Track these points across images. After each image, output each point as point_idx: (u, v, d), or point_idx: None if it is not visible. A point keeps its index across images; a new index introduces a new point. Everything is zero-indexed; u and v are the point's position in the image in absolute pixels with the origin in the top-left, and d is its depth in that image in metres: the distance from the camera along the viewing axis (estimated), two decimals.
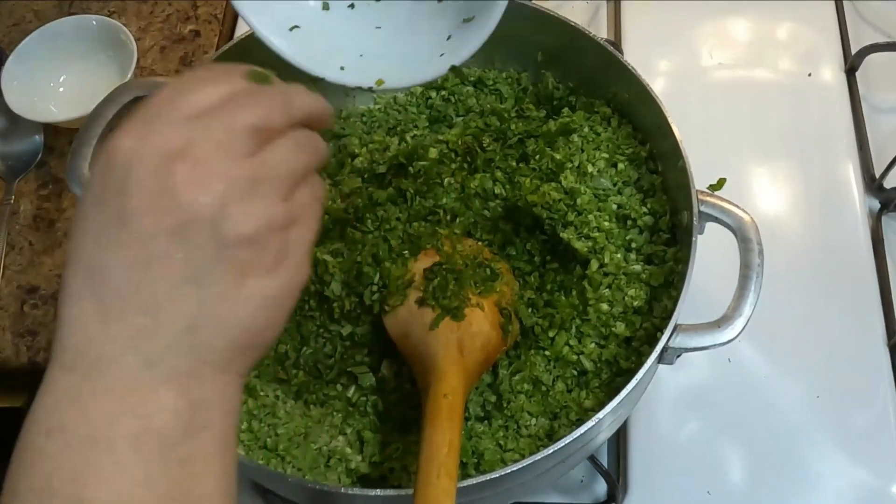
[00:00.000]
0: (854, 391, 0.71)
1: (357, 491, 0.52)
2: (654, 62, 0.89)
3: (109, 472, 0.31)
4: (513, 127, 0.70)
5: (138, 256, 0.32)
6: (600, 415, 0.51)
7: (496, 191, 0.67)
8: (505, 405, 0.60)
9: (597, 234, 0.63)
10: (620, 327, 0.60)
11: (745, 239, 0.56)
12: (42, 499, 0.31)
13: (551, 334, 0.61)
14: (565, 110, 0.71)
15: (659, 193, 0.65)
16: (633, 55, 0.84)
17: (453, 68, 0.51)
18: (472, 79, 0.76)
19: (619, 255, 0.63)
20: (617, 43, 0.88)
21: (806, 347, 0.73)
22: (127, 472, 0.31)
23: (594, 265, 0.62)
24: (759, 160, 0.82)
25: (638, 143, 0.67)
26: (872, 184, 0.79)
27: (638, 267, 0.62)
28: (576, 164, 0.66)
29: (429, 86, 0.77)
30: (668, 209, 0.64)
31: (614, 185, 0.66)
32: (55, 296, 0.81)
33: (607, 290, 0.62)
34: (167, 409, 0.33)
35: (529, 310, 0.63)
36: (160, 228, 0.32)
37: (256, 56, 0.69)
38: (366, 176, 0.70)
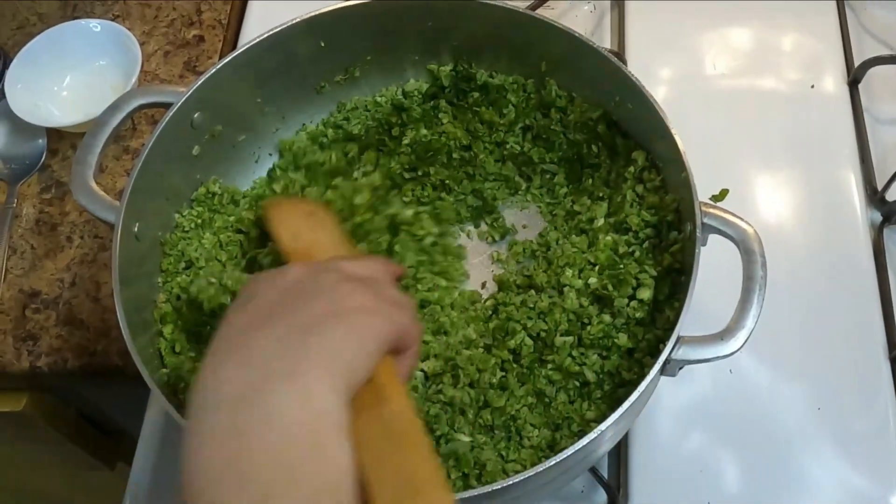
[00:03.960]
0: (855, 403, 0.71)
1: None
2: (657, 71, 0.89)
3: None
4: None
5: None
6: (602, 426, 0.51)
7: None
8: (507, 416, 0.60)
9: None
10: (623, 339, 0.60)
11: (748, 251, 0.56)
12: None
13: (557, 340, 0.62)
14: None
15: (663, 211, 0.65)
16: (637, 64, 0.84)
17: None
18: (479, 82, 0.76)
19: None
20: (620, 53, 0.89)
21: (807, 358, 0.73)
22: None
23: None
24: (760, 170, 0.82)
25: (654, 168, 0.68)
26: (874, 196, 0.79)
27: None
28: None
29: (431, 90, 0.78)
30: (669, 220, 0.64)
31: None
32: (56, 300, 0.81)
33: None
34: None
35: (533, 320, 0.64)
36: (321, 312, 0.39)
37: (253, 70, 0.70)
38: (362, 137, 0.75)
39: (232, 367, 0.36)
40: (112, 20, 0.93)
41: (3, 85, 0.89)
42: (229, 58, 0.68)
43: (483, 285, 0.72)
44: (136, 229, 0.63)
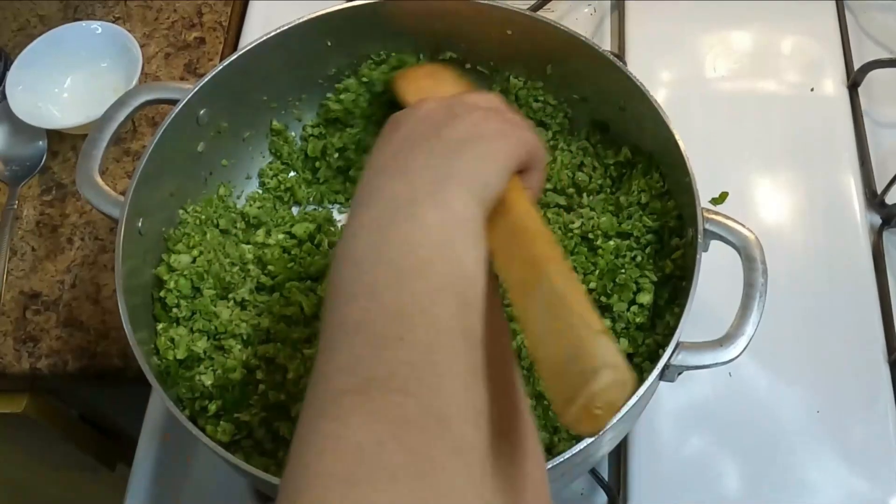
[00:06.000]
0: (854, 406, 0.71)
1: None
2: (657, 73, 0.89)
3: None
4: None
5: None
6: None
7: None
8: None
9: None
10: (623, 343, 0.60)
11: (749, 258, 0.56)
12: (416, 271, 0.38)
13: None
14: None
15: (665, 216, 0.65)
16: (637, 66, 0.84)
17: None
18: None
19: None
20: (621, 55, 0.89)
21: (806, 362, 0.73)
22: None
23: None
24: (760, 173, 0.83)
25: (657, 173, 0.67)
26: (874, 199, 0.80)
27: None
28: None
29: None
30: (671, 226, 0.64)
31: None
32: (57, 302, 0.81)
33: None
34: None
35: None
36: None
37: (259, 67, 0.70)
38: None
39: (387, 178, 0.42)
40: (113, 22, 0.93)
41: (3, 87, 0.89)
42: (235, 55, 0.68)
43: None
44: (139, 224, 0.63)
